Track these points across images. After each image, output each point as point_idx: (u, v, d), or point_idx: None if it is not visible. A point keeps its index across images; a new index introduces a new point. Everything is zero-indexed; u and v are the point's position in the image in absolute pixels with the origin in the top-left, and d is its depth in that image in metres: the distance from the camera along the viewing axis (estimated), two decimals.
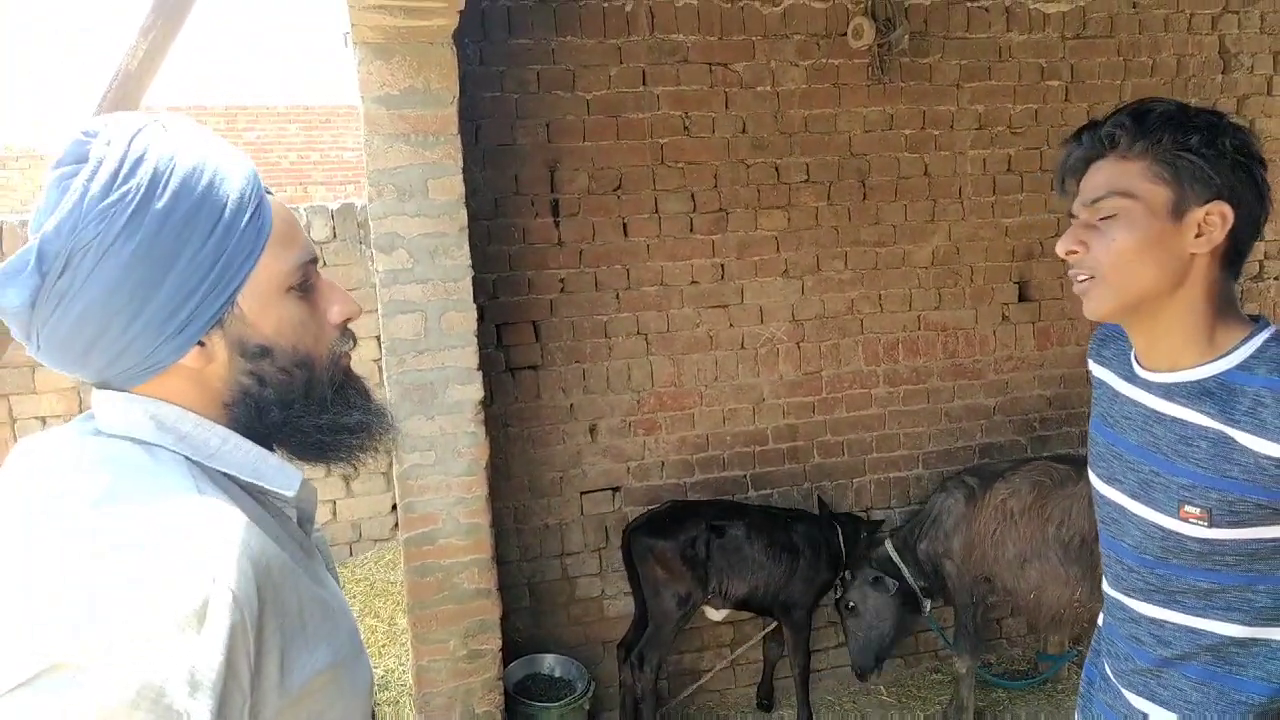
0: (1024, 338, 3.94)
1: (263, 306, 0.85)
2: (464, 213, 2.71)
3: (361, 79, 2.59)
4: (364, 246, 4.04)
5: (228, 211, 0.82)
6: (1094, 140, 1.21)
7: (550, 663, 3.47)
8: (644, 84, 3.42)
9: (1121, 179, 1.17)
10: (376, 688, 3.12)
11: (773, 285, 3.64)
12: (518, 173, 3.34)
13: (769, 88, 3.53)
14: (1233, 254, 1.19)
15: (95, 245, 0.76)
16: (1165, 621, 1.26)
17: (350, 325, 0.94)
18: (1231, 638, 1.20)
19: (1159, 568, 1.24)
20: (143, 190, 0.77)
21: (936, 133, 3.73)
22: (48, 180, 0.80)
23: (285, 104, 11.96)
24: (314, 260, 0.91)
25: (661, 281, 3.52)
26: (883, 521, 3.62)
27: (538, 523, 3.52)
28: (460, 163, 2.69)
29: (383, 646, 3.35)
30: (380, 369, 3.17)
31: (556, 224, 3.40)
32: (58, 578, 0.71)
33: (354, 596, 3.74)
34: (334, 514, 4.12)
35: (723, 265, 3.58)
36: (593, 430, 3.53)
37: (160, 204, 0.78)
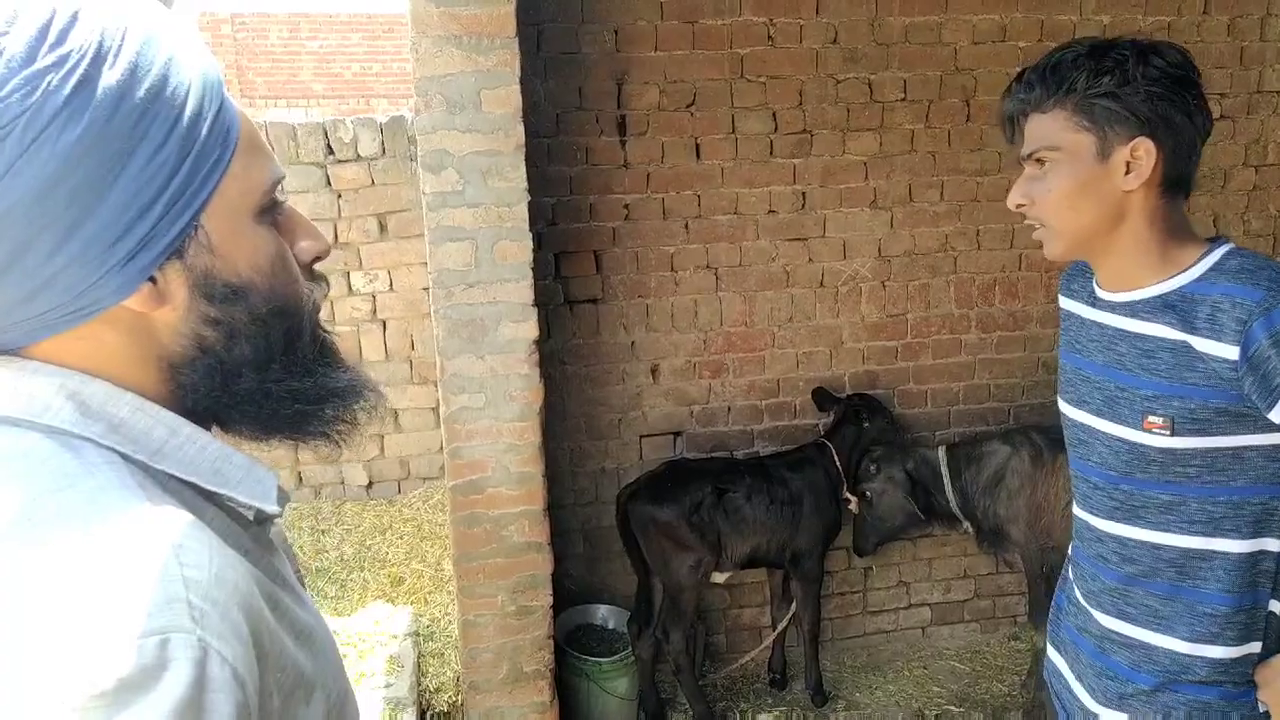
0: None
1: (233, 233, 0.64)
2: (521, 129, 2.42)
3: None
4: (414, 164, 3.77)
5: (192, 99, 0.60)
6: (1017, 98, 1.30)
7: (603, 613, 3.31)
8: None
9: (1047, 134, 1.25)
10: (421, 637, 2.97)
11: (859, 217, 3.29)
12: (582, 85, 3.02)
13: None
14: (1172, 179, 1.23)
15: (21, 126, 0.53)
16: (1128, 538, 1.31)
17: (318, 266, 0.73)
18: (1191, 549, 1.26)
19: (1123, 483, 1.31)
20: (87, 57, 0.55)
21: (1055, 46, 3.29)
22: None
23: (349, 11, 11.65)
24: (283, 179, 0.69)
25: (735, 210, 3.20)
26: (884, 408, 3.29)
27: (594, 466, 3.31)
28: (518, 71, 2.39)
29: (429, 594, 3.20)
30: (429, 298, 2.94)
31: (623, 143, 3.08)
32: None
33: (401, 538, 3.60)
34: (381, 450, 3.95)
35: (804, 193, 3.24)
36: (654, 371, 3.27)
37: (112, 78, 0.56)
